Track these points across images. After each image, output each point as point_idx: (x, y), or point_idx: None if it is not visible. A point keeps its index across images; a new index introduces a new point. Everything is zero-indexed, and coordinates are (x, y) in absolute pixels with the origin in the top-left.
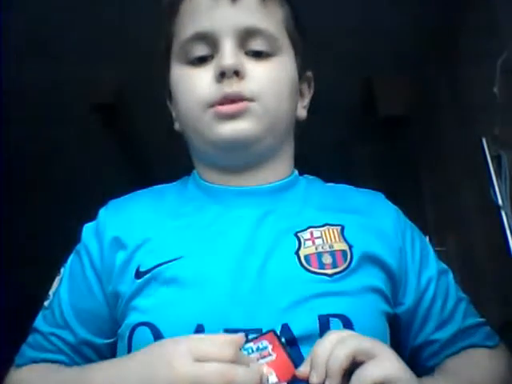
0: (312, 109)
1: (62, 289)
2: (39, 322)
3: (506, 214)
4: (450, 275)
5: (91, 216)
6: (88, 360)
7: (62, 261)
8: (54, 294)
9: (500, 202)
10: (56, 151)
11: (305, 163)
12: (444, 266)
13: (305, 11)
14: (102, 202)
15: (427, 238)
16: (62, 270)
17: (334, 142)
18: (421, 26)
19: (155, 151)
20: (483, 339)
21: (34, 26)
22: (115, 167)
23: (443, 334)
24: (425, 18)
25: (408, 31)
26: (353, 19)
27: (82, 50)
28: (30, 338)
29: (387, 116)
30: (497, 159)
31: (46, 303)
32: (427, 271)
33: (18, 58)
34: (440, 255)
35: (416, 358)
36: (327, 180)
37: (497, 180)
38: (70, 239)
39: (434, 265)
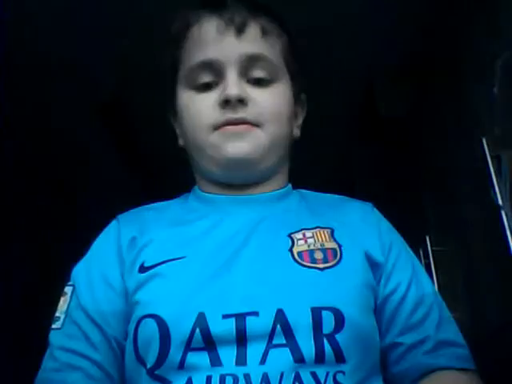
0: (313, 110)
1: (83, 299)
2: (62, 341)
3: (506, 214)
4: (429, 287)
5: (91, 215)
6: (118, 360)
7: (63, 259)
8: (65, 312)
9: (500, 202)
10: (56, 151)
11: (306, 165)
12: (429, 281)
13: (306, 13)
14: (102, 201)
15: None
16: (66, 288)
17: (334, 144)
18: (421, 27)
19: (155, 151)
20: (458, 361)
21: (35, 26)
22: (115, 167)
23: (408, 339)
24: (425, 19)
25: (408, 32)
26: (353, 21)
27: (83, 50)
28: (49, 362)
29: (388, 117)
30: (497, 159)
31: (56, 325)
32: (398, 276)
33: (19, 58)
34: (440, 255)
35: (385, 362)
36: (327, 181)
37: (497, 180)
38: (71, 237)
39: (408, 273)
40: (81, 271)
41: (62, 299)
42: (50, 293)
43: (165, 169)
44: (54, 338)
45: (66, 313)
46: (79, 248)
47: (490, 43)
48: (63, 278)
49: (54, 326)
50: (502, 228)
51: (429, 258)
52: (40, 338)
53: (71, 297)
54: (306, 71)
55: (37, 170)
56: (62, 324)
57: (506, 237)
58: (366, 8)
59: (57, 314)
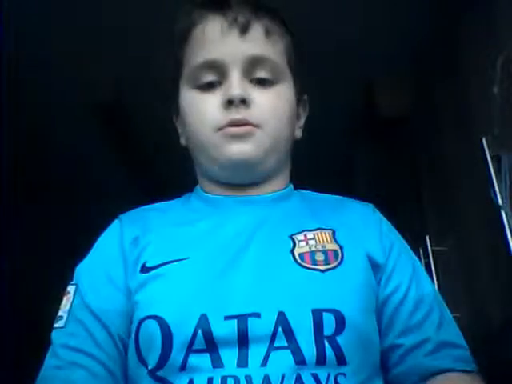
0: (313, 110)
1: (87, 298)
2: (65, 340)
3: (506, 213)
4: (429, 288)
5: (90, 214)
6: (122, 358)
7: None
8: (68, 311)
9: (500, 201)
10: (56, 151)
11: (306, 165)
12: (429, 281)
13: (306, 13)
14: (102, 202)
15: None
16: (69, 288)
17: (334, 143)
18: (420, 27)
19: (155, 151)
20: (460, 362)
21: (35, 26)
22: (115, 167)
23: (408, 340)
24: (424, 19)
25: (407, 32)
26: (353, 21)
27: (82, 50)
28: (52, 360)
29: (387, 117)
30: (497, 159)
31: (59, 324)
32: (399, 277)
33: (18, 58)
34: (440, 255)
35: (386, 363)
36: (327, 181)
37: (497, 180)
38: (70, 237)
39: (408, 274)
40: (84, 270)
41: (65, 298)
42: (51, 294)
43: (165, 169)
44: (57, 336)
45: (69, 312)
46: (80, 249)
47: (489, 43)
48: (63, 278)
49: (56, 325)
50: (502, 228)
51: (429, 258)
52: (40, 338)
53: (74, 295)
54: (306, 71)
55: (36, 169)
56: (65, 323)
57: (506, 237)
58: (366, 9)
59: (59, 314)
